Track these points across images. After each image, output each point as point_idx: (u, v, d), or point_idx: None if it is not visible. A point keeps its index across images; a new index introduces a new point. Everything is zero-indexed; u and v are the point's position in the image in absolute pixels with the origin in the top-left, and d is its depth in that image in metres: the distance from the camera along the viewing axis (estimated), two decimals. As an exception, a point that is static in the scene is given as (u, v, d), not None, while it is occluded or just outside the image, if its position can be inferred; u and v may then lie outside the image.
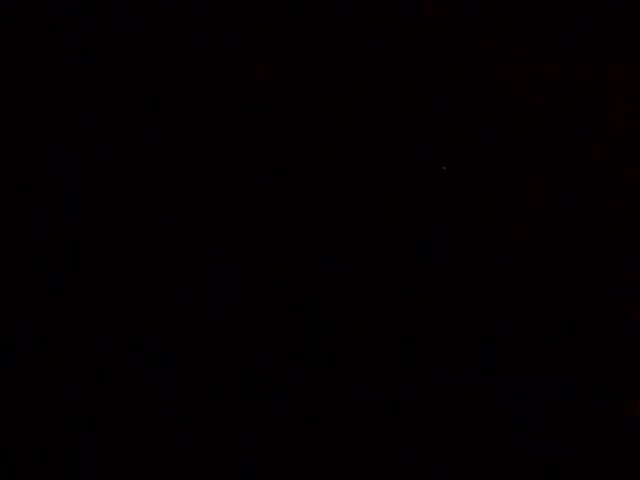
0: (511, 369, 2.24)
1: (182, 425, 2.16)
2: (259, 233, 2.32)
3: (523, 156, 2.44)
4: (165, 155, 2.37)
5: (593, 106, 2.50)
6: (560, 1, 2.57)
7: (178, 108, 2.42)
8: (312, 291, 2.28)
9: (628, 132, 2.48)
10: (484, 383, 2.23)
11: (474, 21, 2.54)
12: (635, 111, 2.50)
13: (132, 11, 2.47)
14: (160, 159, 2.36)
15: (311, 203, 2.36)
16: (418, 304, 2.28)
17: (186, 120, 2.41)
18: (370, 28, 2.51)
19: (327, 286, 2.29)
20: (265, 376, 2.21)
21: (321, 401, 2.19)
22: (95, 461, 2.12)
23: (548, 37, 2.54)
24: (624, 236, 2.38)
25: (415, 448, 2.18)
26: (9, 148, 2.34)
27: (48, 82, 2.40)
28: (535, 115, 2.48)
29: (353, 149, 2.42)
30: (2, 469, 2.11)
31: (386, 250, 2.33)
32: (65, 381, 2.16)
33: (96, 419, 2.14)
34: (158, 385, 2.17)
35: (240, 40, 2.47)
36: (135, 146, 2.37)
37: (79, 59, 2.42)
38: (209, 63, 2.46)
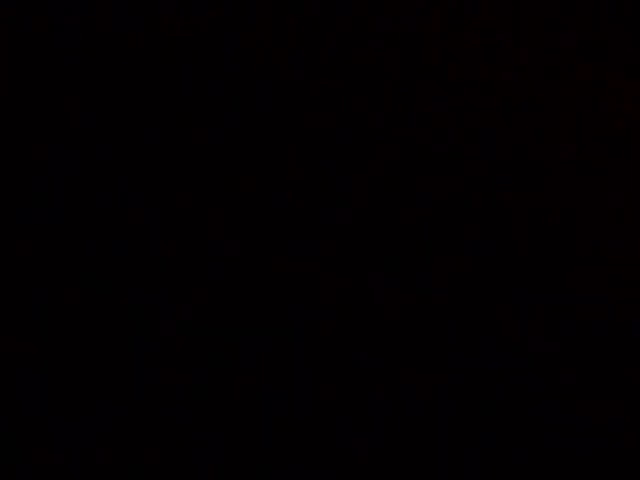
0: (511, 369, 2.24)
1: (182, 425, 2.16)
2: (259, 233, 2.32)
3: (523, 156, 2.44)
4: (165, 155, 2.37)
5: (593, 106, 2.50)
6: (560, 1, 2.58)
7: (178, 108, 2.42)
8: (312, 291, 2.28)
9: (628, 132, 2.49)
10: (484, 383, 2.23)
11: (474, 21, 2.54)
12: (635, 111, 2.50)
13: (132, 11, 2.47)
14: (160, 159, 2.37)
15: (314, 204, 2.36)
16: (418, 304, 2.29)
17: (186, 120, 2.41)
18: (370, 28, 2.51)
19: (326, 285, 2.29)
20: (265, 376, 2.21)
21: (321, 401, 2.19)
22: (95, 460, 2.12)
23: (548, 37, 2.55)
24: (624, 236, 2.38)
25: (415, 448, 2.18)
26: (9, 148, 2.34)
27: (48, 82, 2.40)
28: (535, 115, 2.48)
29: (353, 149, 2.42)
30: (2, 469, 2.11)
31: (386, 249, 2.33)
32: (65, 381, 2.16)
33: (96, 419, 2.14)
34: (158, 385, 2.17)
35: (240, 40, 2.47)
36: (135, 146, 2.37)
37: (79, 59, 2.42)
38: (209, 63, 2.46)
